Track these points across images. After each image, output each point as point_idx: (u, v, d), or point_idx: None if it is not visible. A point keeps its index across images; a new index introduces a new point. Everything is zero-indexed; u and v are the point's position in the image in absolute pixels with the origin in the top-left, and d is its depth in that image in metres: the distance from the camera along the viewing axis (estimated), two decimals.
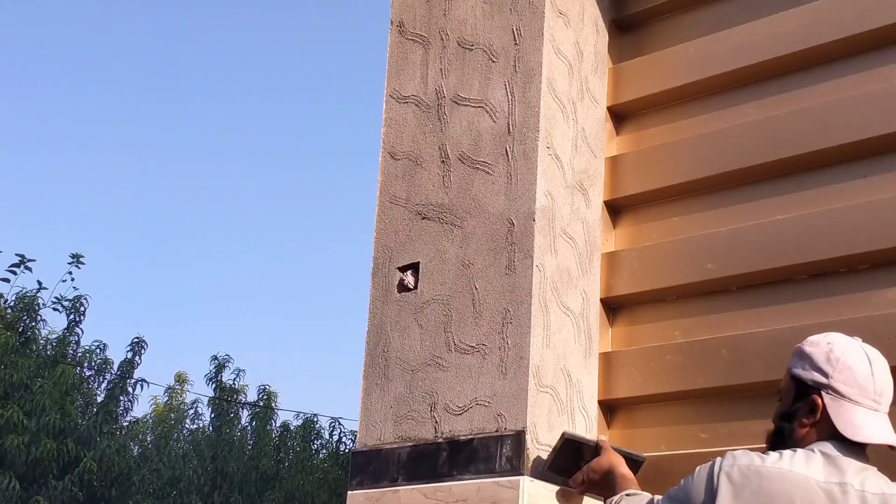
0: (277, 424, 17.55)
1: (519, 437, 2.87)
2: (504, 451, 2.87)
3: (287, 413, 24.86)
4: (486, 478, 2.87)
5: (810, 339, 2.43)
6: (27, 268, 13.49)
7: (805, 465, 2.26)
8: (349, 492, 3.17)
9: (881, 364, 2.37)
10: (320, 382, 35.59)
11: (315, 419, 18.00)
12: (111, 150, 35.35)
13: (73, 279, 14.01)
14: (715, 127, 3.22)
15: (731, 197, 3.15)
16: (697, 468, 2.38)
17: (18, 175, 33.87)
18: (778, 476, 2.24)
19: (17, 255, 13.56)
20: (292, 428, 17.70)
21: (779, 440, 2.41)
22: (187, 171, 37.07)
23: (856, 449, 2.31)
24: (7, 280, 13.52)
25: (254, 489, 16.10)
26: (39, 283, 13.73)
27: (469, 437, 2.96)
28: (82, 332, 14.34)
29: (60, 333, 14.21)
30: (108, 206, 34.86)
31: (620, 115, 3.46)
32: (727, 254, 3.07)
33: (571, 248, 3.16)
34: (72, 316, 14.09)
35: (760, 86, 3.18)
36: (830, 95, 3.03)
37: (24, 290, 13.59)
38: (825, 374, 2.34)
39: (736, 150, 3.13)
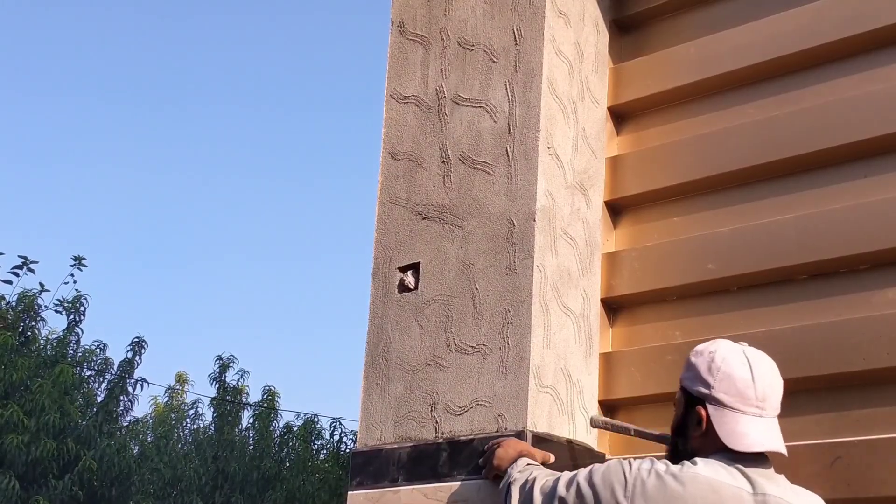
0: (281, 425, 17.57)
1: (519, 437, 2.86)
2: None
3: (288, 413, 24.88)
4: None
5: (697, 348, 2.48)
6: (30, 269, 13.50)
7: (714, 471, 2.28)
8: (349, 492, 3.16)
9: (764, 367, 2.39)
10: (321, 383, 35.60)
11: (316, 419, 18.02)
12: (115, 153, 35.38)
13: (75, 281, 14.03)
14: (715, 127, 3.21)
15: (732, 197, 3.15)
16: (608, 464, 2.37)
17: (22, 179, 33.91)
18: (693, 480, 2.26)
19: (19, 256, 13.59)
20: (294, 429, 17.71)
21: (674, 453, 2.45)
22: (191, 173, 37.10)
23: (753, 458, 2.33)
24: (9, 282, 13.54)
25: (255, 489, 16.09)
26: (41, 285, 13.75)
27: (469, 437, 2.96)
28: (82, 332, 14.35)
29: (60, 333, 14.21)
30: (111, 209, 34.93)
31: (621, 116, 3.46)
32: (728, 254, 3.06)
33: (572, 248, 3.16)
34: (72, 316, 14.09)
35: (761, 86, 3.18)
36: (831, 95, 3.03)
37: (24, 290, 13.59)
38: (708, 385, 2.38)
39: (736, 150, 3.13)
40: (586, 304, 3.19)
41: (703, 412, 2.37)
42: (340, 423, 17.90)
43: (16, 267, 13.49)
